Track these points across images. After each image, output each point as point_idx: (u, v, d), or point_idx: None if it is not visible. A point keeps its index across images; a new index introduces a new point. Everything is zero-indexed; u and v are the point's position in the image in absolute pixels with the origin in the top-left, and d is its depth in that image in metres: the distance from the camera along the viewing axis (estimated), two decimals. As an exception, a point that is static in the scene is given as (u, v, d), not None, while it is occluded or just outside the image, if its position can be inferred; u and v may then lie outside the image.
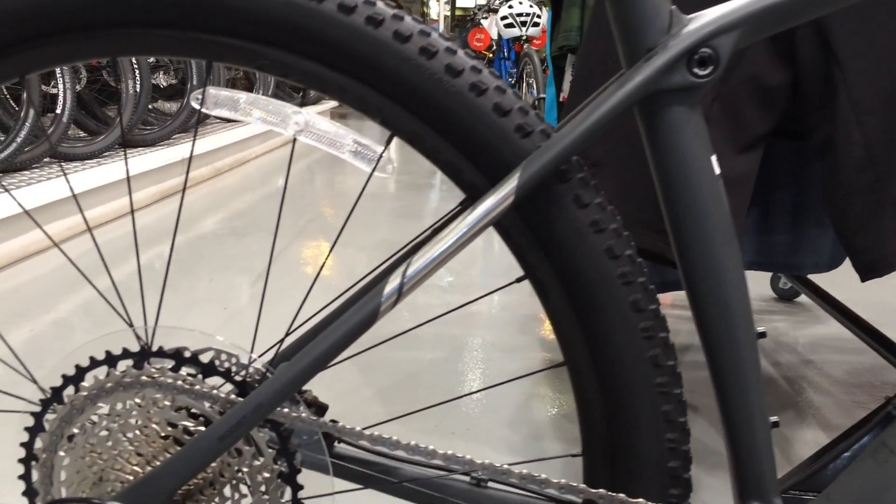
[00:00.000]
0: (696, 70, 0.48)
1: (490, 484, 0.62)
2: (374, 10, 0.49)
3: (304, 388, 0.58)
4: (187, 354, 0.55)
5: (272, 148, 5.30)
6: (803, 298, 2.15)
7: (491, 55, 6.96)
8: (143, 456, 0.55)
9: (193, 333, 0.58)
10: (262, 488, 0.55)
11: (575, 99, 1.13)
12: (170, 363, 0.55)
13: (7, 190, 0.63)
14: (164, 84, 4.21)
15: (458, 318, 1.95)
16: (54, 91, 2.90)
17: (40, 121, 2.80)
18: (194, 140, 0.60)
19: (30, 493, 0.58)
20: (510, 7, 5.58)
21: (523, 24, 5.53)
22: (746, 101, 1.00)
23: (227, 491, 0.56)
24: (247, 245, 2.65)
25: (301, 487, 0.55)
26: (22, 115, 2.65)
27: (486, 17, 7.36)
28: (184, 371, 0.55)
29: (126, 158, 0.60)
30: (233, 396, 0.53)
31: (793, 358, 1.76)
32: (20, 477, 0.58)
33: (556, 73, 1.84)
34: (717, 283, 0.51)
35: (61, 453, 0.56)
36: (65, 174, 0.62)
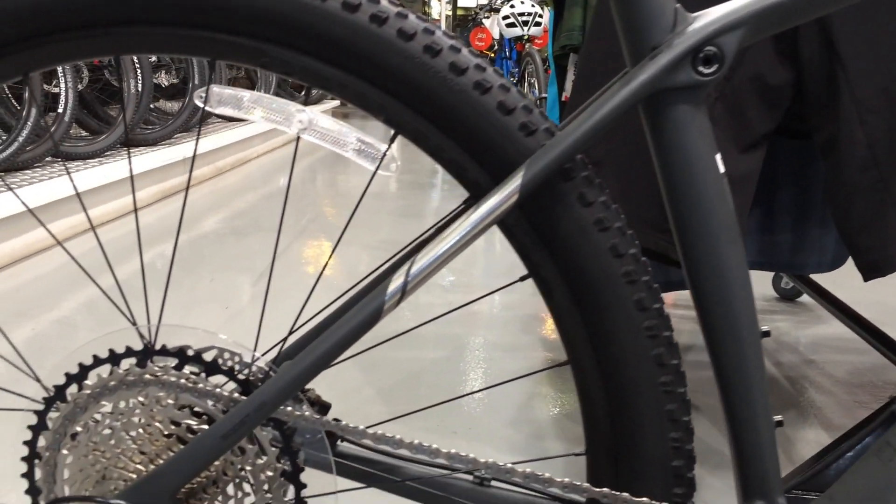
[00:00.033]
0: (700, 68, 0.48)
1: (493, 483, 0.62)
2: (377, 7, 0.49)
3: (307, 386, 0.58)
4: (190, 353, 0.55)
5: (273, 147, 5.30)
6: (805, 298, 2.15)
7: (493, 55, 6.96)
8: (146, 454, 0.55)
9: (196, 332, 0.57)
10: (265, 487, 0.55)
11: (578, 98, 1.13)
12: (173, 361, 0.55)
13: (11, 188, 0.63)
14: (166, 83, 4.21)
15: (459, 318, 1.95)
16: (56, 90, 2.90)
17: (44, 119, 2.80)
18: (198, 138, 0.60)
19: (33, 491, 0.58)
20: (512, 6, 5.58)
21: (525, 23, 5.53)
22: (749, 100, 1.00)
23: (230, 489, 0.56)
24: (248, 244, 2.65)
25: (304, 486, 0.55)
26: (24, 114, 2.65)
27: (487, 17, 7.36)
28: (187, 369, 0.54)
29: (130, 157, 0.60)
30: (236, 395, 0.53)
31: (794, 358, 1.76)
32: (23, 475, 0.58)
33: (558, 73, 1.84)
34: (721, 281, 0.51)
35: (64, 451, 0.56)
36: (68, 172, 0.62)
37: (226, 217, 3.09)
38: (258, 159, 4.87)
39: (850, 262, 1.28)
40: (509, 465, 0.53)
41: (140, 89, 3.40)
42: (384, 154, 0.56)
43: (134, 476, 0.55)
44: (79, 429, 0.56)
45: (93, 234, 2.67)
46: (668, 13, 0.49)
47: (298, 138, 0.55)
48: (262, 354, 0.57)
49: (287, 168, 4.55)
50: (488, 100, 0.49)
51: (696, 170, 0.49)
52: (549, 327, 1.93)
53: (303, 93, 6.27)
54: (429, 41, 0.49)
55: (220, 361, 0.56)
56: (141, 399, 0.54)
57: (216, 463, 0.54)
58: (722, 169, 0.50)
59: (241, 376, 0.55)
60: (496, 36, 6.94)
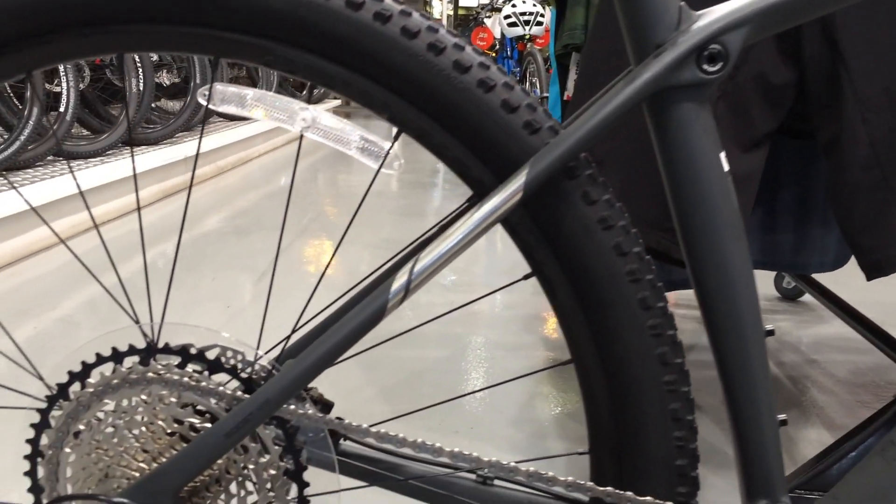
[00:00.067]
0: (705, 66, 0.48)
1: (496, 482, 0.62)
2: (381, 6, 0.49)
3: (310, 385, 0.58)
4: (193, 351, 0.55)
5: (275, 147, 5.30)
6: (806, 298, 2.15)
7: (494, 54, 6.96)
8: (148, 453, 0.55)
9: (199, 330, 0.57)
10: (268, 485, 0.55)
11: (580, 97, 1.13)
12: (176, 360, 0.54)
13: (14, 187, 0.63)
14: (168, 83, 4.21)
15: (461, 317, 1.95)
16: (58, 89, 2.90)
17: (46, 117, 2.80)
18: (201, 136, 0.60)
19: (35, 489, 0.58)
20: (513, 6, 5.57)
21: (527, 23, 5.52)
22: (752, 99, 0.99)
23: (232, 488, 0.56)
24: (250, 243, 2.65)
25: (307, 484, 0.55)
26: (26, 112, 2.65)
27: (489, 17, 7.36)
28: (190, 368, 0.54)
29: (133, 156, 0.60)
30: (239, 393, 0.53)
31: (796, 357, 1.76)
32: (26, 473, 0.58)
33: (560, 72, 1.84)
34: (725, 280, 0.51)
35: (67, 450, 0.56)
36: (72, 171, 0.62)
37: (227, 216, 3.09)
38: (259, 158, 4.87)
39: (851, 261, 1.28)
40: (513, 464, 0.53)
41: (142, 88, 3.40)
42: (387, 152, 0.56)
43: (137, 474, 0.55)
44: (82, 427, 0.56)
45: (93, 233, 2.67)
46: (672, 11, 0.49)
47: (302, 136, 0.55)
48: (266, 353, 0.57)
49: (288, 167, 4.56)
50: (492, 98, 0.49)
51: (701, 168, 0.49)
52: (551, 327, 1.93)
53: (304, 92, 6.27)
54: (432, 39, 0.49)
55: (223, 360, 0.55)
56: (144, 397, 0.54)
57: (219, 461, 0.54)
58: (726, 167, 0.50)
59: (244, 374, 0.55)
60: (498, 35, 6.94)
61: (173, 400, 0.54)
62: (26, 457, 0.57)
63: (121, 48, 0.52)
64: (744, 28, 0.48)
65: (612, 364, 0.52)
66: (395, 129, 0.53)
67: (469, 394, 1.52)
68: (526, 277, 0.55)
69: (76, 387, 0.55)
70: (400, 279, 0.49)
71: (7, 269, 2.25)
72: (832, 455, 0.96)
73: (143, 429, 0.55)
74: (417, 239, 0.59)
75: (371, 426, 0.54)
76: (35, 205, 2.43)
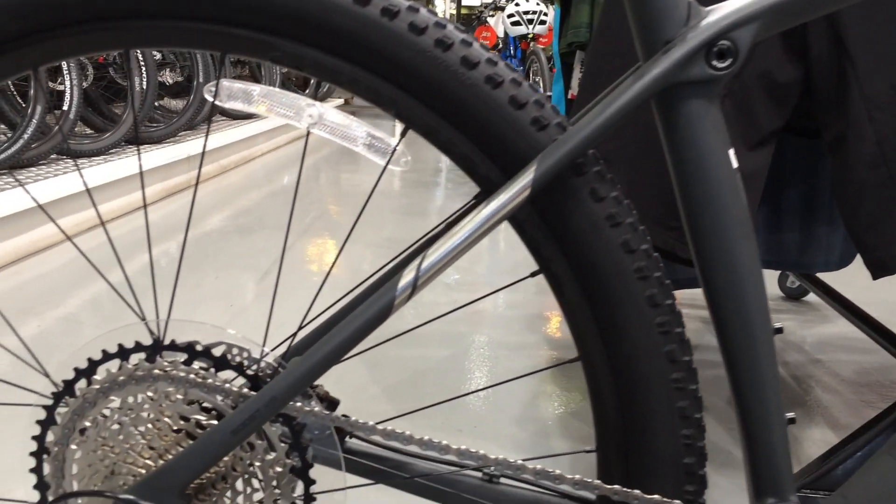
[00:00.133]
0: (714, 62, 0.48)
1: (502, 480, 0.61)
2: (389, 2, 0.48)
3: (316, 382, 0.58)
4: (199, 348, 0.55)
5: (278, 146, 5.30)
6: (811, 297, 2.14)
7: (497, 53, 6.94)
8: (154, 449, 0.55)
9: (205, 327, 0.57)
10: (274, 483, 0.54)
11: (585, 95, 1.12)
12: (182, 356, 0.54)
13: (22, 184, 0.63)
14: (171, 81, 4.21)
15: (464, 317, 1.95)
16: (61, 87, 2.91)
17: (53, 114, 2.81)
18: (207, 134, 0.60)
19: (41, 486, 0.58)
20: (517, 5, 5.57)
21: (530, 21, 5.52)
22: (758, 97, 0.99)
23: (238, 485, 0.56)
24: (252, 242, 2.65)
25: (313, 482, 0.55)
26: (29, 111, 2.66)
27: (492, 16, 7.35)
28: (196, 364, 0.54)
29: (139, 154, 0.60)
30: (245, 390, 0.53)
31: (801, 357, 1.76)
32: (32, 470, 0.57)
33: (564, 70, 1.84)
34: (733, 277, 0.50)
35: (73, 447, 0.56)
36: (78, 168, 0.62)
37: (230, 215, 3.09)
38: (262, 157, 4.87)
39: (856, 260, 1.28)
40: (519, 462, 0.52)
41: (145, 87, 3.40)
42: (394, 149, 0.56)
43: (143, 471, 0.55)
44: (87, 424, 0.55)
45: (96, 232, 2.67)
46: (681, 7, 0.48)
47: (308, 133, 0.55)
48: (272, 350, 0.57)
49: (290, 166, 4.55)
50: (500, 94, 0.49)
51: (710, 165, 0.49)
52: (554, 326, 1.93)
53: (307, 91, 6.27)
54: (440, 35, 0.49)
55: (229, 357, 0.55)
56: (150, 394, 0.54)
57: (225, 458, 0.54)
58: (735, 164, 0.50)
59: (250, 372, 0.55)
60: (501, 34, 6.93)
61: (179, 397, 0.54)
62: (32, 453, 0.57)
63: (127, 44, 0.51)
64: (753, 24, 0.48)
65: (619, 362, 0.51)
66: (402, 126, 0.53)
67: (473, 392, 1.52)
68: (533, 275, 0.55)
69: (82, 383, 0.55)
70: (407, 276, 0.49)
71: (10, 268, 2.25)
72: (838, 455, 0.96)
73: (150, 426, 0.55)
74: (424, 236, 0.59)
75: (378, 423, 0.53)
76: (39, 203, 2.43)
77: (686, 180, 0.50)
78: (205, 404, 0.54)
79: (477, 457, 0.53)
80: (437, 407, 1.40)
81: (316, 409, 0.53)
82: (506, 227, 0.52)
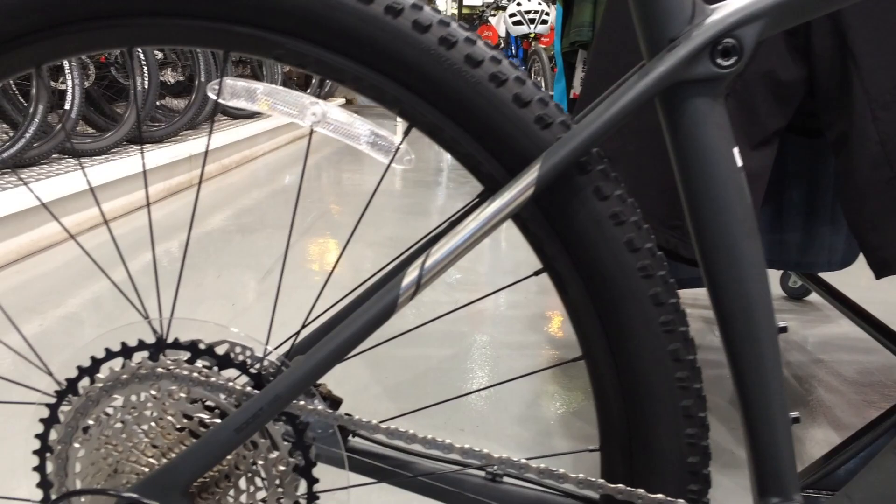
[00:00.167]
0: (719, 60, 0.48)
1: (505, 479, 0.61)
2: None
3: (318, 381, 0.58)
4: (202, 346, 0.55)
5: (279, 145, 5.30)
6: (812, 297, 2.14)
7: (498, 53, 6.93)
8: (158, 448, 0.55)
9: (208, 325, 0.57)
10: (278, 481, 0.54)
11: (589, 93, 1.12)
12: (185, 355, 0.54)
13: (26, 183, 0.63)
14: (172, 81, 4.21)
15: (466, 316, 1.95)
16: (63, 87, 2.91)
17: (55, 112, 2.81)
18: (210, 133, 0.60)
19: (44, 484, 0.58)
20: (519, 4, 5.57)
21: (532, 21, 5.52)
22: (761, 96, 0.99)
23: (241, 484, 0.56)
24: (254, 241, 2.65)
25: (316, 480, 0.55)
26: (31, 110, 2.66)
27: (493, 15, 7.35)
28: (199, 363, 0.54)
29: (143, 153, 0.60)
30: (249, 389, 0.53)
31: (803, 357, 1.75)
32: (35, 468, 0.57)
33: (566, 69, 1.84)
34: (738, 276, 0.50)
35: (76, 445, 0.56)
36: (82, 167, 0.62)
37: (232, 214, 3.09)
38: (263, 157, 4.87)
39: (858, 260, 1.27)
40: (523, 461, 0.52)
41: (147, 86, 3.40)
42: (398, 147, 0.56)
43: (146, 470, 0.55)
44: (91, 422, 0.55)
45: (96, 231, 2.67)
46: (686, 5, 0.48)
47: (312, 131, 0.55)
48: (275, 348, 0.57)
49: (292, 166, 4.55)
50: (504, 92, 0.49)
51: (714, 163, 0.49)
52: (556, 326, 1.93)
53: (308, 91, 6.27)
54: (444, 33, 0.49)
55: (232, 355, 0.55)
56: (153, 392, 0.54)
57: (228, 457, 0.54)
58: (740, 163, 0.50)
59: (253, 370, 0.55)
60: (502, 34, 6.93)
61: (183, 395, 0.54)
62: (35, 451, 0.57)
63: (130, 42, 0.51)
64: (758, 22, 0.48)
65: (623, 360, 0.51)
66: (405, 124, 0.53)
67: (475, 391, 1.52)
68: (537, 273, 0.55)
69: (85, 381, 0.55)
70: (411, 274, 0.48)
71: (12, 266, 2.25)
72: (841, 454, 0.96)
73: (153, 424, 0.55)
74: (428, 234, 0.59)
75: (381, 422, 0.53)
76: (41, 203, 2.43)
77: (691, 179, 0.50)
78: (208, 403, 0.54)
79: (480, 456, 0.53)
80: (438, 406, 1.40)
81: (319, 407, 0.53)
82: (507, 226, 0.52)
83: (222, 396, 0.54)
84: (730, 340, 0.52)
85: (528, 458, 0.53)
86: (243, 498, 0.55)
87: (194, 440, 0.54)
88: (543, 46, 5.28)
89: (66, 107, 2.89)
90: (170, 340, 0.55)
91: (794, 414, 0.53)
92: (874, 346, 1.66)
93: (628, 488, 0.51)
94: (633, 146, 1.02)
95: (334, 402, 0.64)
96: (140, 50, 3.41)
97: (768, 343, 0.51)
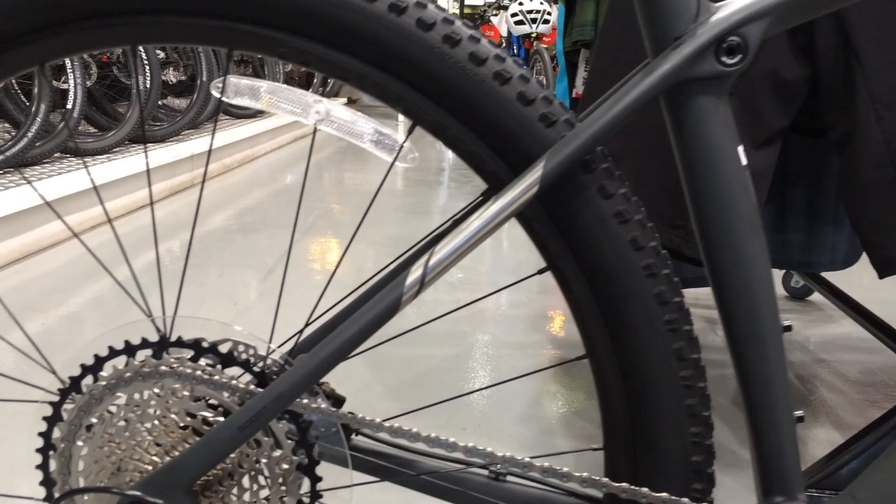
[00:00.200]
0: (724, 59, 0.48)
1: (509, 478, 0.61)
2: (397, -3, 0.48)
3: (322, 380, 0.58)
4: (206, 345, 0.55)
5: (281, 145, 5.30)
6: (815, 297, 2.13)
7: (500, 52, 6.93)
8: (161, 446, 0.55)
9: (211, 324, 0.57)
10: (281, 480, 0.54)
11: (591, 93, 1.12)
12: (189, 353, 0.54)
13: (30, 182, 0.63)
14: (174, 80, 4.21)
15: (467, 316, 1.95)
16: (65, 86, 2.91)
17: (59, 111, 2.81)
18: (213, 132, 0.60)
19: (47, 482, 0.58)
20: (521, 4, 5.56)
21: (533, 21, 5.51)
22: (764, 95, 0.99)
23: (245, 482, 0.56)
24: (256, 241, 2.65)
25: (320, 479, 0.55)
26: (33, 109, 2.66)
27: (495, 15, 7.35)
28: (203, 361, 0.54)
29: (146, 152, 0.60)
30: (252, 387, 0.53)
31: (805, 357, 1.75)
32: (38, 466, 0.57)
33: (568, 69, 1.83)
34: (743, 275, 0.50)
35: (79, 443, 0.56)
36: (86, 166, 0.62)
37: (233, 214, 3.09)
38: (265, 157, 4.87)
39: (861, 260, 1.27)
40: (527, 460, 0.52)
41: (148, 85, 3.40)
42: (402, 145, 0.56)
43: (149, 468, 0.55)
44: (94, 420, 0.55)
45: (98, 230, 2.68)
46: (691, 3, 0.48)
47: (316, 129, 0.55)
48: (278, 347, 0.57)
49: (293, 166, 4.55)
50: (508, 90, 0.49)
51: (718, 161, 0.49)
52: (557, 325, 1.92)
53: (310, 89, 6.27)
54: (448, 31, 0.49)
55: (235, 353, 0.55)
56: (156, 391, 0.54)
57: (232, 455, 0.54)
58: (744, 161, 0.50)
59: (256, 368, 0.55)
60: (504, 33, 6.92)
61: (186, 393, 0.54)
62: (38, 450, 0.57)
63: (133, 40, 0.51)
64: (763, 20, 0.48)
65: (627, 359, 0.51)
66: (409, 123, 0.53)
67: (477, 391, 1.52)
68: (540, 272, 0.55)
69: (89, 380, 0.55)
70: (415, 273, 0.48)
71: (14, 266, 2.26)
72: (844, 454, 0.96)
73: (156, 422, 0.55)
74: (431, 233, 0.59)
75: (385, 420, 0.53)
76: (42, 202, 2.43)
77: (695, 177, 0.50)
78: (211, 401, 0.54)
79: (484, 454, 0.53)
80: (440, 405, 1.40)
81: (322, 405, 0.53)
82: (510, 225, 0.52)
83: (226, 395, 0.54)
84: (734, 339, 0.52)
85: (531, 457, 0.53)
86: (246, 496, 0.55)
87: (198, 438, 0.54)
88: (545, 46, 5.28)
89: (69, 106, 2.89)
90: (173, 339, 0.55)
91: (799, 413, 0.53)
92: (877, 346, 1.66)
93: (632, 487, 0.51)
94: (636, 145, 1.02)
95: (337, 400, 0.64)
96: (142, 49, 3.41)
97: (773, 342, 0.51)
